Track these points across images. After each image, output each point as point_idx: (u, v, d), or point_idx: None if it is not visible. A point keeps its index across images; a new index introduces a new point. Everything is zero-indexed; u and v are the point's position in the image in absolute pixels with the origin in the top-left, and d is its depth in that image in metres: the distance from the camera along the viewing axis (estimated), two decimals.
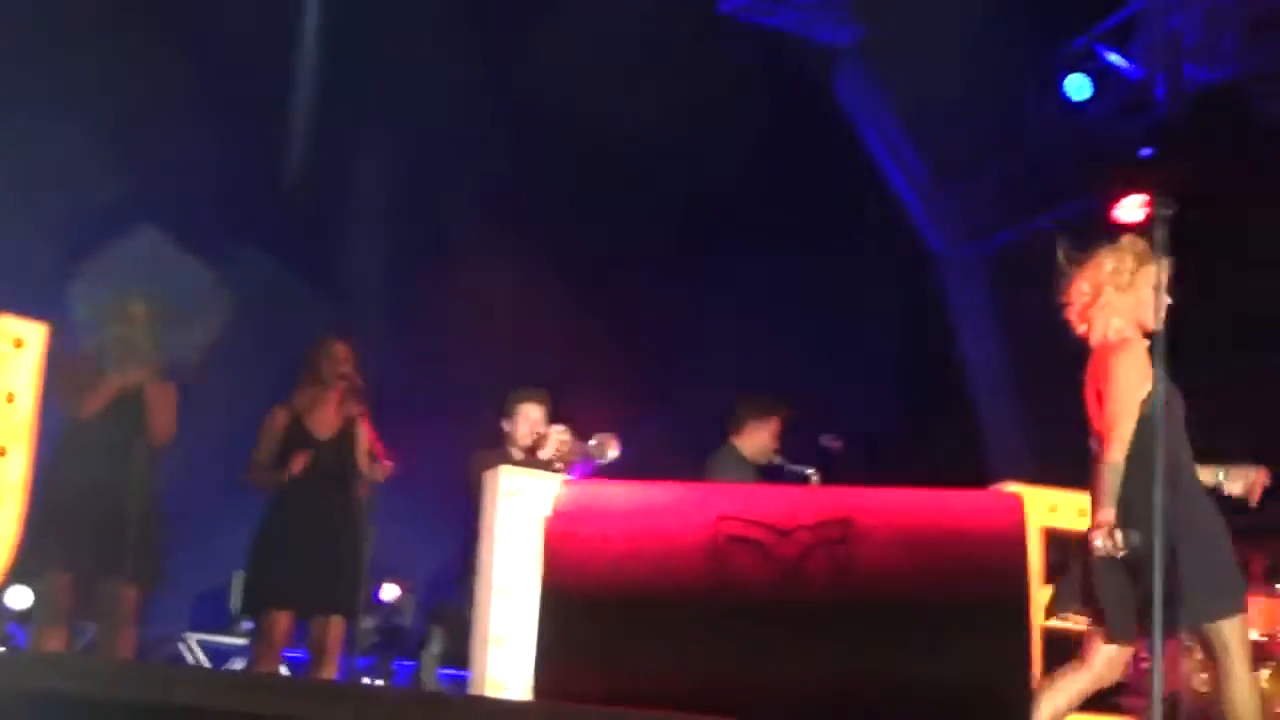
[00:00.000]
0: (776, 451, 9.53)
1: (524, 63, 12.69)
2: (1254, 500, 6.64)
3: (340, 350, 8.39)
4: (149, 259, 8.07)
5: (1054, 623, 7.14)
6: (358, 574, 8.23)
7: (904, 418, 13.19)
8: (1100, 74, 13.37)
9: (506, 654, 7.96)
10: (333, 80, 13.04)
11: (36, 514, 7.53)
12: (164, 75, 11.42)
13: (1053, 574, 8.61)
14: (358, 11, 12.98)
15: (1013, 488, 8.53)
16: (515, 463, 8.90)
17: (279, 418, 8.34)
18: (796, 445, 9.60)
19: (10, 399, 7.44)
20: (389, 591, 11.45)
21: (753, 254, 13.26)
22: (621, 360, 12.35)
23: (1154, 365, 6.11)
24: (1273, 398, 11.01)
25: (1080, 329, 6.49)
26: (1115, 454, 6.20)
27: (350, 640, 8.75)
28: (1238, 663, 6.22)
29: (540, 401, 9.31)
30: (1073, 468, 9.00)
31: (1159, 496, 5.64)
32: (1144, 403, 6.20)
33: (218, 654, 11.45)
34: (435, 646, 9.80)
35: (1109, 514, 6.14)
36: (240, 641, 11.29)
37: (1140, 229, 6.73)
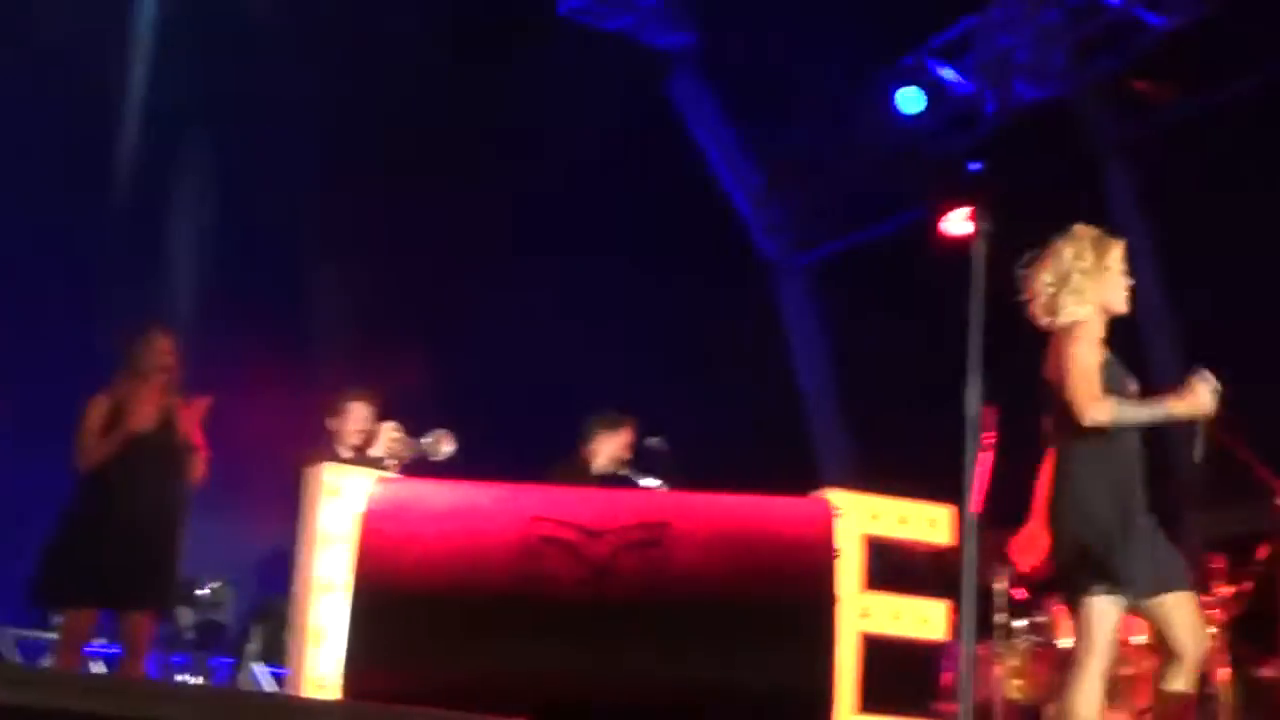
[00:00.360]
0: (626, 463, 9.53)
1: (353, 60, 12.61)
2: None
3: (161, 341, 8.27)
4: None
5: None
6: (172, 569, 8.14)
7: (735, 423, 13.26)
8: (932, 87, 13.55)
9: (326, 652, 7.91)
10: (162, 71, 12.84)
11: None
12: None
13: (874, 580, 8.73)
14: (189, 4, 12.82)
15: (836, 495, 8.64)
16: (344, 461, 8.87)
17: (98, 407, 8.20)
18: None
19: None
20: (209, 587, 11.29)
21: (586, 257, 13.26)
22: (449, 361, 12.32)
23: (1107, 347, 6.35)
24: None
25: (1045, 321, 6.53)
26: (1098, 412, 6.28)
27: (167, 636, 8.64)
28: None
29: (368, 400, 9.29)
30: (894, 476, 9.16)
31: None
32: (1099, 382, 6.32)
33: (34, 649, 11.23)
34: (255, 644, 9.71)
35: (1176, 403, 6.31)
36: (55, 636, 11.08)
37: (967, 241, 6.88)
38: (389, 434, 9.15)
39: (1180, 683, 6.25)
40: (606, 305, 13.46)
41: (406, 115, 12.79)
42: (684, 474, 9.12)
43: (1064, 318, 6.43)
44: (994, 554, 9.21)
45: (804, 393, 14.99)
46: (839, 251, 14.92)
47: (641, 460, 9.50)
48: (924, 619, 8.72)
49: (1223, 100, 12.03)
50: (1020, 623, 9.43)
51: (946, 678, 9.17)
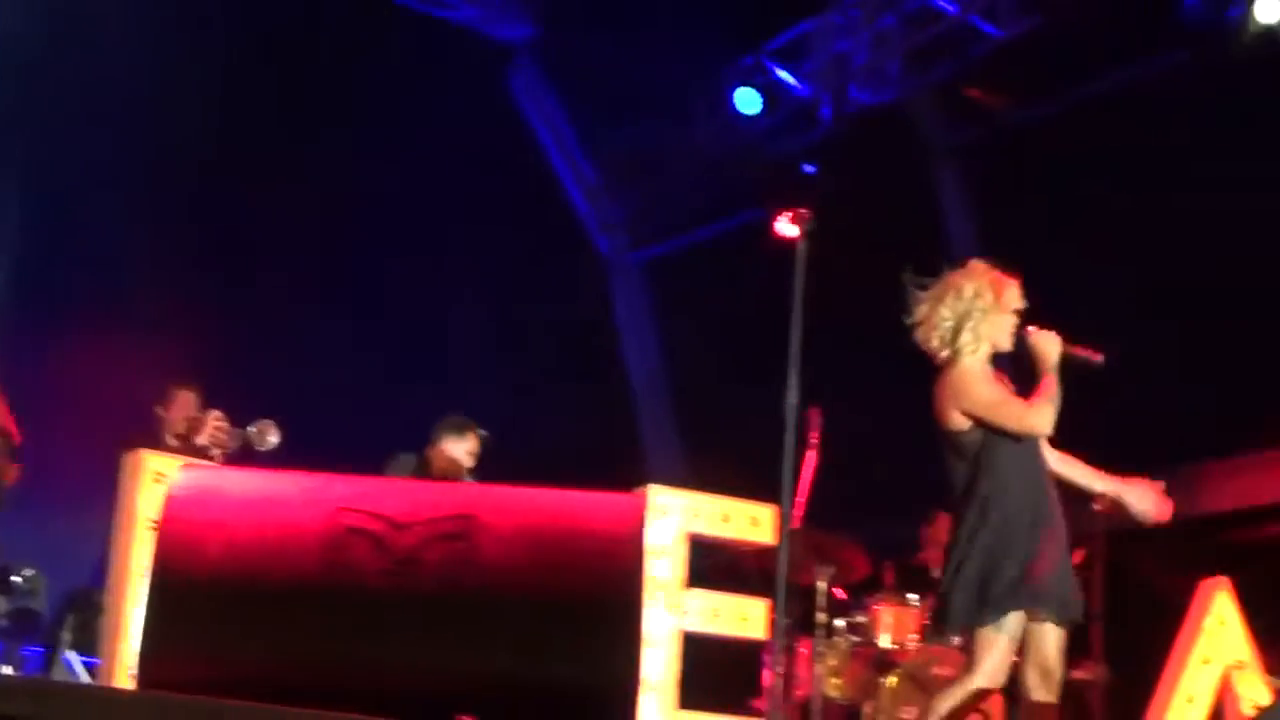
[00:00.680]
0: (470, 470, 9.48)
1: (176, 50, 12.43)
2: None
3: None
4: None
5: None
6: None
7: (565, 419, 13.25)
8: (769, 89, 13.63)
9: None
10: None
11: None
12: None
13: (696, 578, 8.75)
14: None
15: (658, 491, 8.65)
16: (169, 449, 8.79)
17: None
18: None
19: None
20: (22, 574, 11.08)
21: (423, 255, 13.18)
22: (279, 354, 12.20)
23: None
24: None
25: (939, 354, 6.66)
26: (1039, 419, 6.50)
27: None
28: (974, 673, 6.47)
29: (194, 389, 9.24)
30: (723, 474, 9.19)
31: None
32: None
33: None
34: (68, 633, 9.55)
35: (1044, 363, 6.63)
36: None
37: (799, 241, 6.94)
38: (214, 423, 9.10)
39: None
40: (440, 299, 13.41)
41: (234, 105, 12.63)
42: (506, 467, 9.09)
43: (962, 358, 6.60)
44: (815, 553, 9.30)
45: (635, 390, 15.01)
46: (675, 250, 14.96)
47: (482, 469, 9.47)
48: (743, 617, 8.74)
49: (1051, 109, 12.28)
50: (840, 622, 9.52)
51: (767, 676, 9.23)
